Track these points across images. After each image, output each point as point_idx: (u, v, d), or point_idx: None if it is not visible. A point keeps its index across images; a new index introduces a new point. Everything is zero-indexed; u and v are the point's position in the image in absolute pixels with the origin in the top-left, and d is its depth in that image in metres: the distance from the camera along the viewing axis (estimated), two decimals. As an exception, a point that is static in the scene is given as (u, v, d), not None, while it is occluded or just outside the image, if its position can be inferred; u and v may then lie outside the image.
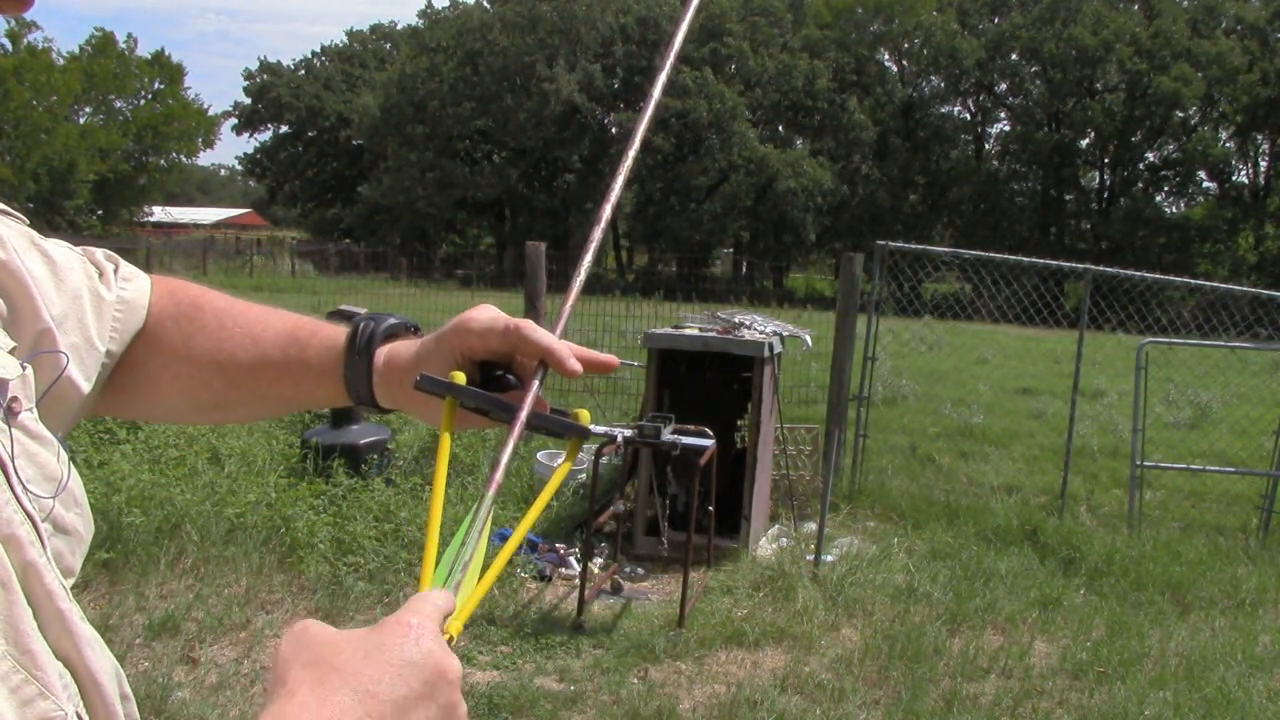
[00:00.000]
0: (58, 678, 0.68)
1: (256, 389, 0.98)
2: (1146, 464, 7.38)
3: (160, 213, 49.35)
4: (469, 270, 39.39)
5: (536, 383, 0.83)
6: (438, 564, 0.73)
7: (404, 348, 0.93)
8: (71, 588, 0.75)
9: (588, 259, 0.89)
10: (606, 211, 0.91)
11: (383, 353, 0.93)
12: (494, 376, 0.88)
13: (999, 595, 5.34)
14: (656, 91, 0.95)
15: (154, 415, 1.05)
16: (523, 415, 0.80)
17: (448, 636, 0.67)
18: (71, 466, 0.75)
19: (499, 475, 0.77)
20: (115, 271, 0.93)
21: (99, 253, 0.92)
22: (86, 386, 0.86)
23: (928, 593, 5.32)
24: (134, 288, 0.94)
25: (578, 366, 0.84)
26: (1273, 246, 40.01)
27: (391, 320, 0.96)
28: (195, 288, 1.00)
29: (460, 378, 0.83)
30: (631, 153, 0.93)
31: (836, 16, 43.69)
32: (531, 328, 0.85)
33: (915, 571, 5.64)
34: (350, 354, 0.94)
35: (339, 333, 0.96)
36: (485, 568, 0.74)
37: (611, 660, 4.35)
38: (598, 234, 0.90)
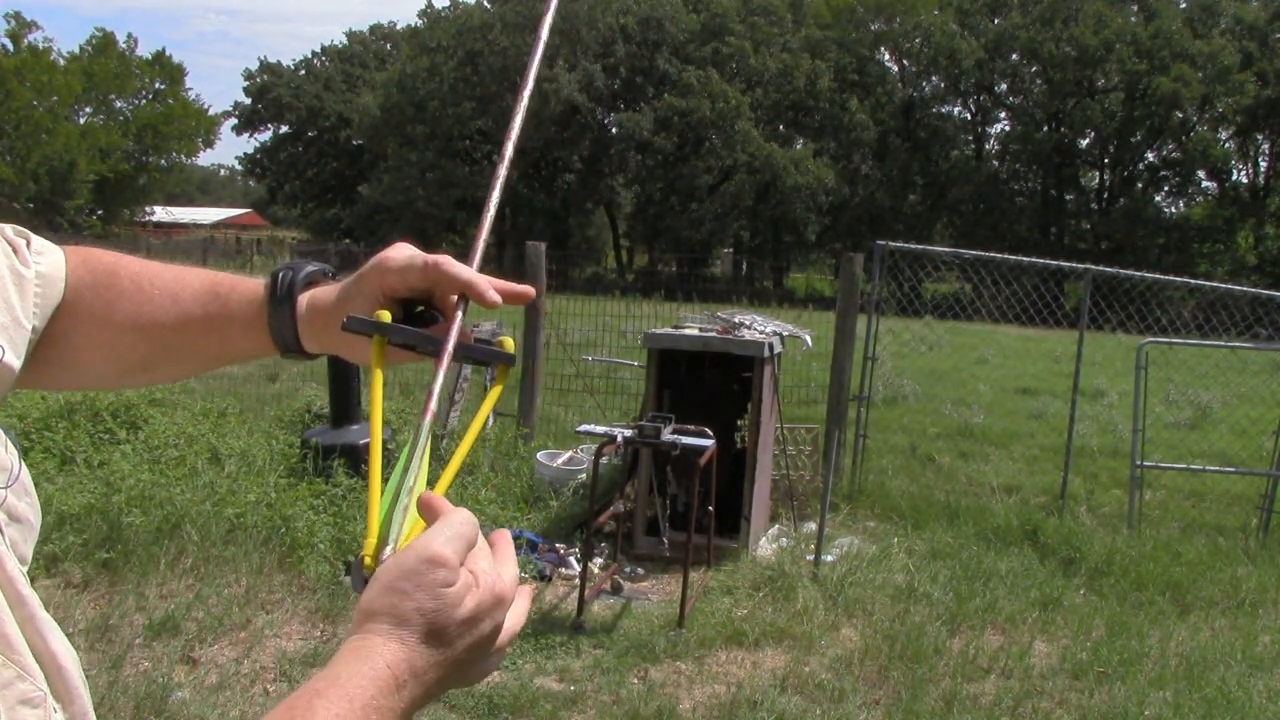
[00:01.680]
0: (33, 661, 0.69)
1: (182, 347, 0.98)
2: (1146, 464, 7.37)
3: (160, 213, 49.40)
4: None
5: (460, 314, 0.85)
6: (382, 495, 0.76)
7: (325, 292, 0.94)
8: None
9: (495, 196, 0.91)
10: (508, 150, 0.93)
11: (304, 299, 0.94)
12: (416, 314, 0.90)
13: (999, 595, 5.34)
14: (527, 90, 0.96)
15: (79, 384, 1.05)
16: (449, 346, 0.83)
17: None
18: (21, 459, 0.76)
19: (433, 404, 0.81)
20: (28, 246, 0.93)
21: (8, 229, 0.92)
22: (18, 365, 0.87)
23: (928, 593, 5.32)
24: (48, 261, 0.94)
25: (497, 297, 0.86)
26: (1273, 246, 40.02)
27: (310, 267, 0.97)
28: (109, 254, 1.00)
29: (386, 316, 0.85)
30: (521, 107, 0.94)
31: (837, 16, 43.70)
32: (450, 263, 0.86)
33: (915, 571, 5.64)
34: (272, 303, 0.94)
35: (259, 285, 0.97)
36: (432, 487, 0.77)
37: (611, 660, 4.35)
38: (502, 171, 0.92)
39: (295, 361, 0.98)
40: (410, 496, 0.75)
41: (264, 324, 0.95)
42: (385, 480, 0.78)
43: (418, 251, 0.88)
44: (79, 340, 0.96)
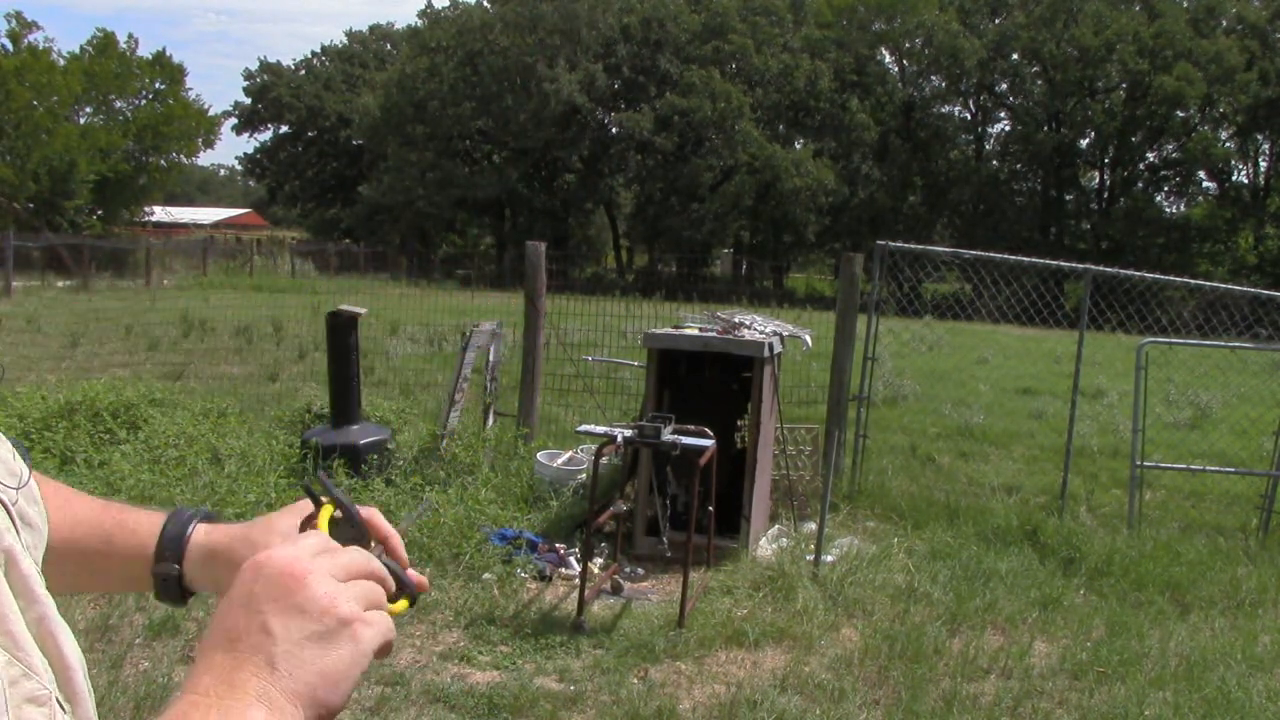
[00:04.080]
0: (40, 660, 0.70)
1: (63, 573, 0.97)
2: (1146, 464, 7.37)
3: (160, 213, 49.30)
4: (469, 270, 39.33)
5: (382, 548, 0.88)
6: None
7: (219, 534, 0.96)
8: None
9: None
10: None
11: (198, 544, 0.95)
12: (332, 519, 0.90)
13: (999, 595, 5.34)
14: None
15: None
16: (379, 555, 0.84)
17: None
18: (29, 469, 0.78)
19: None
20: None
21: None
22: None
23: (928, 593, 5.32)
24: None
25: (406, 569, 0.88)
26: (1273, 246, 40.02)
27: (189, 527, 0.97)
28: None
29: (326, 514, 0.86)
30: None
31: (838, 15, 43.70)
32: (376, 515, 0.90)
33: (915, 571, 5.64)
34: (159, 564, 0.95)
35: (144, 546, 0.96)
36: None
37: (611, 660, 4.35)
38: None
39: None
40: None
41: (148, 580, 0.95)
42: None
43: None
44: None
